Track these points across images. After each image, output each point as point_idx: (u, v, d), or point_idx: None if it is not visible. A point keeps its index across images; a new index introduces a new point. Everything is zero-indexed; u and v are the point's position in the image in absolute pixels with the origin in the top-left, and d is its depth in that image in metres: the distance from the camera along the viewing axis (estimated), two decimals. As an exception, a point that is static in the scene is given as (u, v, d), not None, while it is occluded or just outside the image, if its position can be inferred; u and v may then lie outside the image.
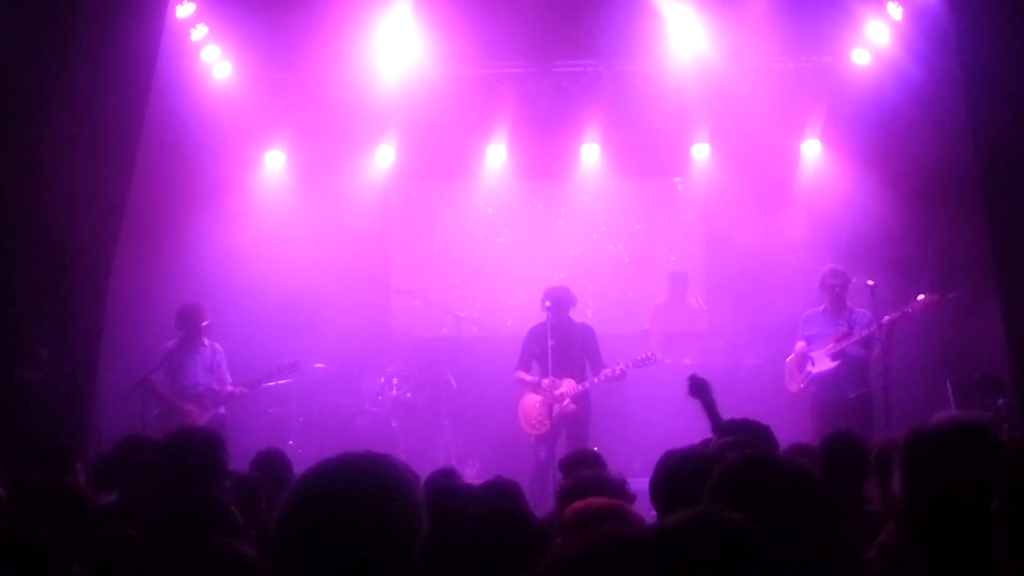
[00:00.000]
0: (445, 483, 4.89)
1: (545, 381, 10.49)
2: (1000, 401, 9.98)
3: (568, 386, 10.49)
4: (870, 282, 10.03)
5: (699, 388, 6.43)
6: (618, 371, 10.46)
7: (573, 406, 10.47)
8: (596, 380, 10.54)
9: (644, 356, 10.63)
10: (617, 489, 4.59)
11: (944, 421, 3.05)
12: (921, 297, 10.09)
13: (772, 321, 11.91)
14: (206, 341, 10.72)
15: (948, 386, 10.55)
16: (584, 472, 4.82)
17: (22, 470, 5.79)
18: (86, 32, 9.70)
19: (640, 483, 5.17)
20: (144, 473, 5.32)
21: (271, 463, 6.06)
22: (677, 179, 14.09)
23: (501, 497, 4.68)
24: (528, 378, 10.77)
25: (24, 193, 9.61)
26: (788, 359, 10.68)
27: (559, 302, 10.62)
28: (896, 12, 11.32)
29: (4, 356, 9.47)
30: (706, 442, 5.83)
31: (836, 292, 10.41)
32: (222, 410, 10.69)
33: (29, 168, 9.65)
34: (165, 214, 11.91)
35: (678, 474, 4.09)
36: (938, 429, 3.02)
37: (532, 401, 10.72)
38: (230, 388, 10.68)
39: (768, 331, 11.96)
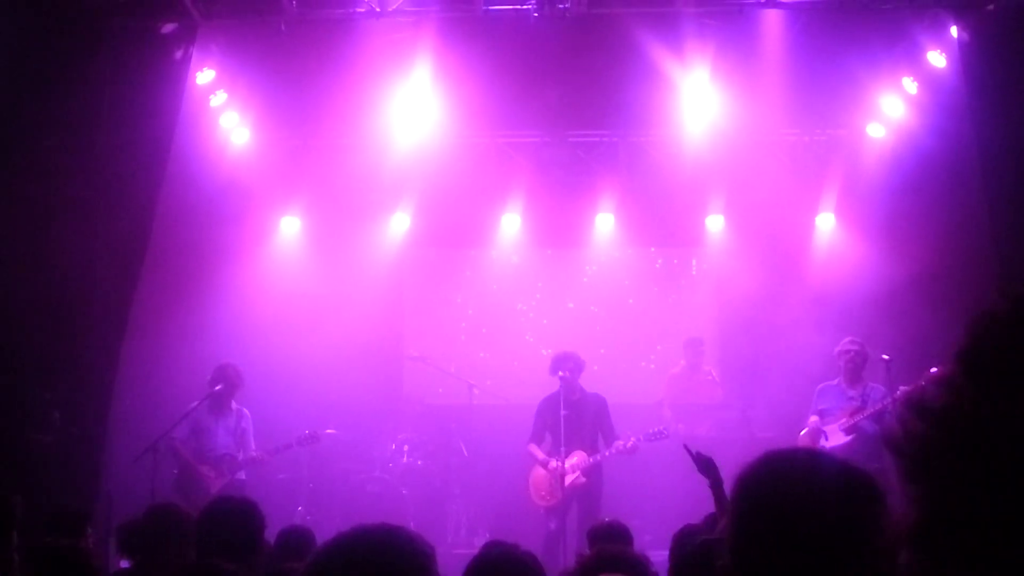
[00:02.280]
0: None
1: (553, 463, 10.40)
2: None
3: (579, 458, 10.40)
4: (885, 356, 9.93)
5: (706, 466, 6.34)
6: (630, 444, 10.34)
7: (583, 479, 10.38)
8: (607, 453, 10.42)
9: (657, 429, 10.48)
10: (639, 566, 4.48)
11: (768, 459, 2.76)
12: (934, 370, 9.93)
13: (786, 393, 11.80)
14: (234, 405, 10.68)
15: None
16: (608, 546, 4.72)
17: (36, 532, 5.76)
18: (106, 97, 9.81)
19: (652, 556, 5.10)
20: (169, 542, 5.25)
21: (298, 541, 5.98)
22: (693, 261, 14.11)
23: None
24: (539, 455, 10.68)
25: (39, 255, 9.65)
26: (801, 433, 10.54)
27: (572, 369, 10.57)
28: (911, 86, 11.36)
29: (16, 418, 9.45)
30: (711, 517, 5.75)
31: (851, 366, 10.30)
32: (242, 475, 10.58)
33: (45, 231, 9.70)
34: (180, 278, 11.94)
35: (695, 554, 4.01)
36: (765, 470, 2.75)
37: (542, 473, 10.63)
38: (253, 454, 10.59)
39: (782, 403, 11.85)
